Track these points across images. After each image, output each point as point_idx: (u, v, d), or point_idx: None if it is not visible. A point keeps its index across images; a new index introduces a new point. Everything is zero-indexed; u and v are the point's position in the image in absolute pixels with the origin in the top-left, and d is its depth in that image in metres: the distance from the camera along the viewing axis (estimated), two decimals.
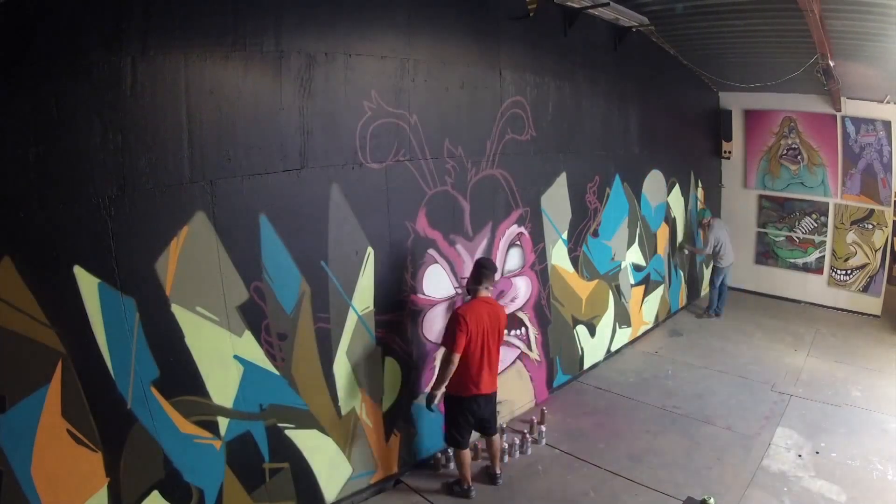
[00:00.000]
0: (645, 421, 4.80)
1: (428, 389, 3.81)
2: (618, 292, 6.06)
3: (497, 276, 4.31)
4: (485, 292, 3.68)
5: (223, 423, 3.01)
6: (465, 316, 3.53)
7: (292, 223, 3.20)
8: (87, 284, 2.50)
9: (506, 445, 4.26)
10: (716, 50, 6.18)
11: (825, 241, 7.59)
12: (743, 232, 8.23)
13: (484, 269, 3.68)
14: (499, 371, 3.86)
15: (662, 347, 6.40)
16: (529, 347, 4.97)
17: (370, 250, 3.60)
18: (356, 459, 3.68)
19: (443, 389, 3.61)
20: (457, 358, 3.52)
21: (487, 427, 3.87)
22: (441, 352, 4.06)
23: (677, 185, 7.12)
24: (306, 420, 3.38)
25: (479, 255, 4.32)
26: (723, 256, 7.16)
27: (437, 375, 3.67)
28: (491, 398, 3.80)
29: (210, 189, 2.85)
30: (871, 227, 7.22)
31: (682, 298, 7.58)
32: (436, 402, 3.64)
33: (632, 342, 6.42)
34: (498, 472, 3.97)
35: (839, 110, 7.01)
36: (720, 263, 7.19)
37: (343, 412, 3.58)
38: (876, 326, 7.03)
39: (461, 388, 3.65)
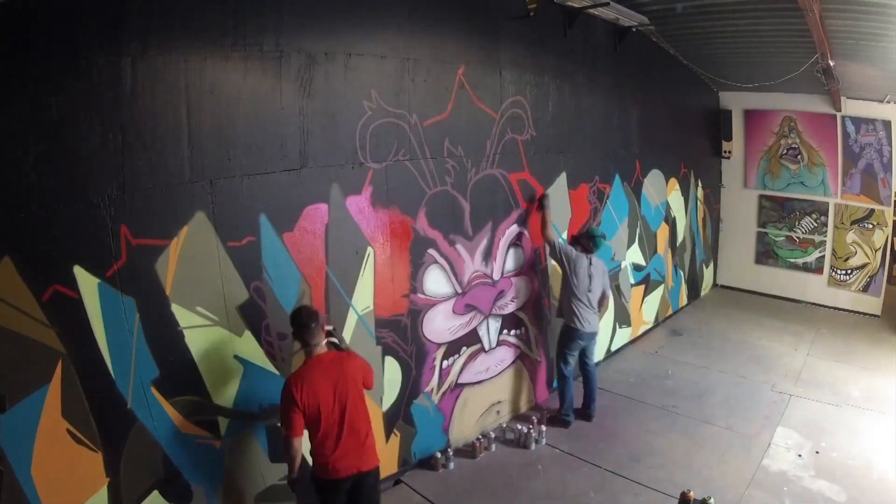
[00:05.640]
0: (645, 421, 4.80)
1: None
2: (618, 292, 6.06)
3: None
4: (318, 349, 2.81)
5: (223, 422, 3.01)
6: (293, 387, 2.67)
7: (292, 223, 3.20)
8: (87, 284, 2.50)
9: None
10: (716, 50, 6.18)
11: (825, 241, 7.59)
12: (743, 232, 8.23)
13: (296, 323, 2.79)
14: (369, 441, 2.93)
15: (662, 347, 6.40)
16: (529, 347, 4.97)
17: (370, 250, 3.61)
18: None
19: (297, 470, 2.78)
20: (295, 441, 2.71)
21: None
22: (440, 351, 4.08)
23: (678, 185, 7.12)
24: None
25: (479, 254, 4.33)
26: (578, 306, 4.53)
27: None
28: (361, 478, 2.85)
29: (210, 189, 2.85)
30: (871, 226, 7.21)
31: (683, 298, 7.57)
32: (297, 485, 2.83)
33: (632, 342, 6.42)
34: None
35: (839, 110, 7.01)
36: (572, 321, 4.54)
37: None
38: (876, 326, 7.02)
39: (317, 469, 2.81)
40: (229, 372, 3.01)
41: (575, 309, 4.54)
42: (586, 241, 4.63)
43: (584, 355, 4.77)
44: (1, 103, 2.24)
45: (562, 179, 5.10)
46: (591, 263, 4.58)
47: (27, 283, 2.34)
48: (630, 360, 6.04)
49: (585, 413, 4.77)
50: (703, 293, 8.15)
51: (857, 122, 6.97)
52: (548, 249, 4.74)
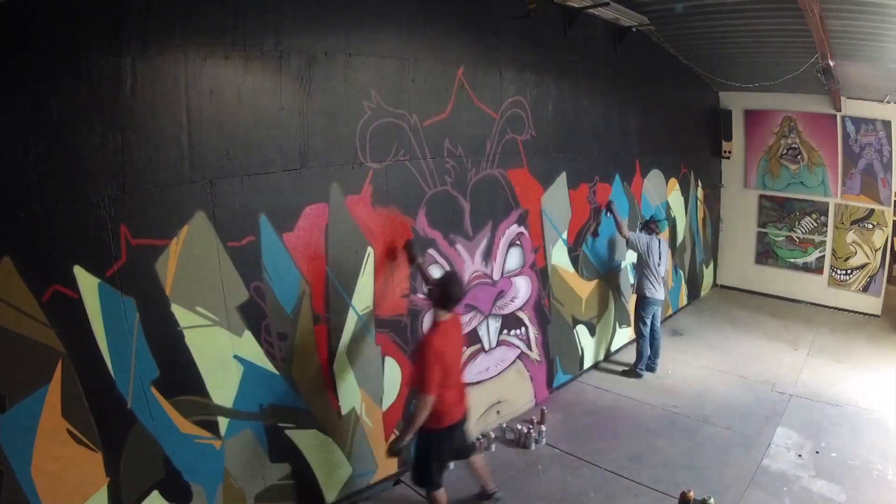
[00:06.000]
0: (645, 421, 4.80)
1: (393, 437, 3.45)
2: (618, 292, 6.06)
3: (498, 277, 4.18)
4: (450, 315, 3.22)
5: (223, 422, 3.01)
6: (439, 348, 3.03)
7: (292, 223, 3.20)
8: (87, 284, 2.50)
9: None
10: (716, 50, 6.18)
11: (825, 241, 7.59)
12: (743, 232, 8.23)
13: (453, 289, 3.19)
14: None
15: (662, 347, 6.38)
16: (529, 347, 4.97)
17: (370, 250, 3.61)
18: (356, 459, 3.68)
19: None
20: (432, 400, 2.99)
21: (464, 452, 3.46)
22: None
23: (678, 185, 7.11)
24: (306, 420, 3.39)
25: (478, 254, 4.33)
26: (651, 279, 5.49)
27: (411, 422, 3.10)
28: (464, 421, 3.36)
29: (210, 189, 2.85)
30: (871, 226, 7.22)
31: (683, 298, 7.57)
32: (402, 447, 3.18)
33: (632, 342, 6.40)
34: (493, 487, 3.66)
35: (839, 110, 7.01)
36: (648, 291, 5.51)
37: (343, 412, 3.58)
38: (876, 326, 7.02)
39: (436, 421, 3.10)
40: (229, 372, 3.01)
41: (648, 282, 5.52)
42: (654, 224, 5.67)
43: (653, 319, 5.66)
44: (1, 103, 2.24)
45: (562, 179, 5.10)
46: (660, 244, 5.56)
47: (27, 283, 2.34)
48: (630, 361, 6.03)
49: (650, 366, 5.70)
50: (703, 293, 8.15)
51: (857, 122, 6.97)
52: (625, 242, 5.70)
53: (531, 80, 4.61)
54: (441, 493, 3.32)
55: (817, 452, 4.25)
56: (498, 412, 4.72)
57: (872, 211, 7.16)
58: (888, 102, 6.56)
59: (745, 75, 6.83)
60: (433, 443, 3.19)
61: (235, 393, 3.04)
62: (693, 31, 5.72)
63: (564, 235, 5.21)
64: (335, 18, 3.27)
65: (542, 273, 5.00)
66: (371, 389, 3.73)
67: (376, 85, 3.51)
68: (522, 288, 4.79)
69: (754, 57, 6.07)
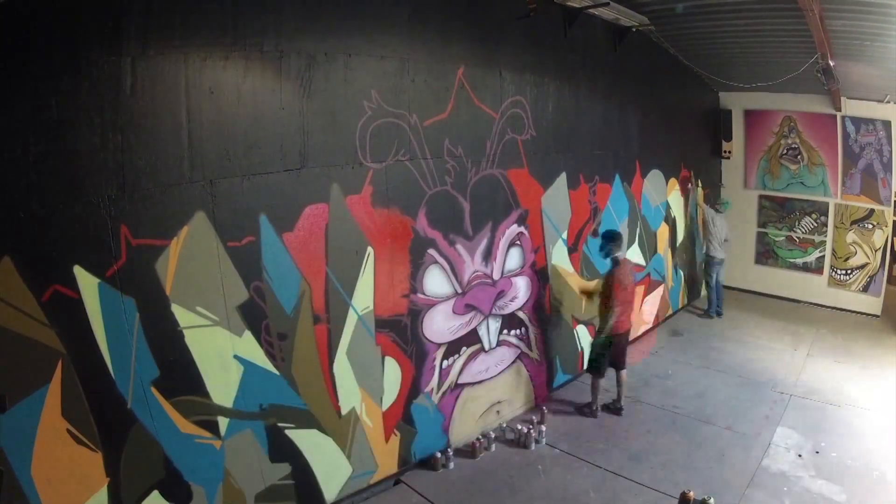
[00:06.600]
0: (645, 421, 4.80)
1: (594, 337, 4.99)
2: None
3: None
4: (623, 256, 4.85)
5: (223, 422, 3.01)
6: (620, 280, 4.65)
7: (292, 223, 3.20)
8: (87, 284, 2.50)
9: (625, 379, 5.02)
10: (716, 50, 6.18)
11: (825, 241, 7.59)
12: (743, 232, 8.22)
13: (614, 240, 4.79)
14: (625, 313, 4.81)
15: (662, 347, 6.40)
16: (529, 347, 4.97)
17: (370, 250, 3.61)
18: (356, 459, 3.68)
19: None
20: (618, 311, 4.62)
21: (619, 364, 4.91)
22: (440, 351, 4.07)
23: (678, 185, 7.11)
24: (306, 420, 3.39)
25: (479, 254, 4.34)
26: (714, 242, 7.15)
27: (601, 326, 4.75)
28: (627, 335, 4.95)
29: (210, 189, 2.86)
30: (871, 226, 7.21)
31: (682, 298, 7.57)
32: (603, 337, 4.77)
33: (632, 342, 6.40)
34: (621, 404, 4.96)
35: (839, 110, 7.01)
36: (713, 252, 7.17)
37: (343, 412, 3.58)
38: (876, 326, 7.02)
39: (616, 327, 4.75)
40: (229, 372, 3.01)
41: (712, 245, 7.20)
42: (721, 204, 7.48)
43: (717, 275, 7.32)
44: (1, 103, 2.25)
45: (562, 179, 5.10)
46: (718, 217, 7.19)
47: (27, 283, 2.34)
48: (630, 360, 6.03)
49: (718, 311, 7.33)
50: (703, 293, 8.14)
51: (857, 122, 6.97)
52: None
53: (531, 81, 4.61)
54: (599, 381, 4.87)
55: (817, 452, 4.25)
56: (498, 412, 4.72)
57: (872, 211, 7.16)
58: (888, 102, 6.56)
59: (745, 75, 6.83)
60: (608, 342, 4.75)
61: (235, 393, 3.04)
62: (693, 31, 5.72)
63: (564, 235, 5.21)
64: (335, 19, 3.27)
65: (541, 273, 5.00)
66: (371, 389, 3.73)
67: (376, 85, 3.51)
68: (522, 288, 4.80)
69: (754, 57, 6.07)
